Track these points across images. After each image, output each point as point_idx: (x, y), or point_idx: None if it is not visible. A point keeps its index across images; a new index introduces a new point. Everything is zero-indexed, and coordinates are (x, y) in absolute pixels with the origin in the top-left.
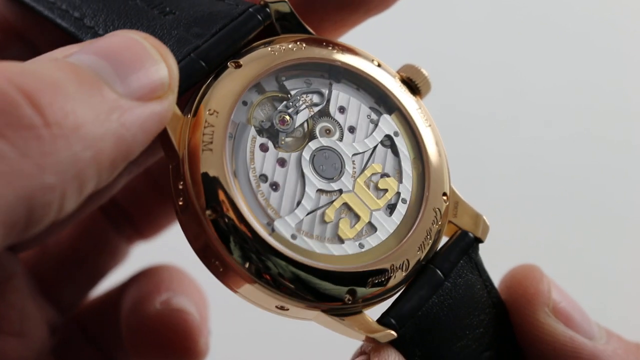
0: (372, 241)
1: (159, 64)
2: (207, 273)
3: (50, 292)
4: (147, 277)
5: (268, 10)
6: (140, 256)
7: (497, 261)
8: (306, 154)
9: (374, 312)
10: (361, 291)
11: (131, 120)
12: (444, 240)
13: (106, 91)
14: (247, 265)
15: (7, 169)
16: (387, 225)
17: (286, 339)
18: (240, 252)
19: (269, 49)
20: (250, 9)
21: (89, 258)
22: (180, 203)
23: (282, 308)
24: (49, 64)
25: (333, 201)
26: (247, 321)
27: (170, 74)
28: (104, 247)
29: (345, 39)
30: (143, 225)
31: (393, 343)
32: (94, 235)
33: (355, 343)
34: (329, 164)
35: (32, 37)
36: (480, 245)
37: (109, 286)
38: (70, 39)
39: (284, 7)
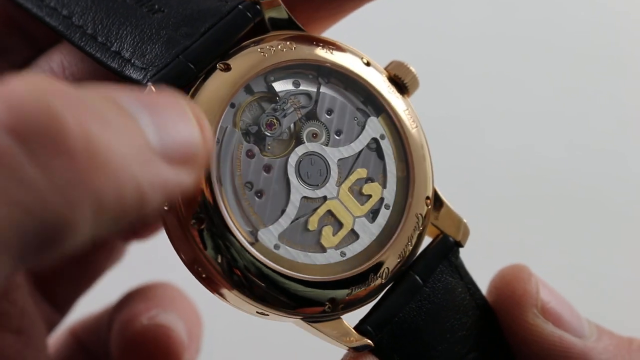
0: (353, 248)
1: (195, 133)
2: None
3: (45, 289)
4: (141, 295)
5: (258, 7)
6: (142, 268)
7: (487, 263)
8: (292, 161)
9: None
10: (341, 299)
11: (157, 178)
12: (427, 240)
13: (144, 140)
14: (228, 273)
15: (32, 199)
16: (369, 232)
17: (275, 341)
18: (222, 260)
19: (259, 49)
20: (240, 6)
21: (84, 255)
22: (165, 208)
23: (262, 314)
24: (97, 97)
25: (317, 208)
26: (237, 324)
27: (203, 147)
28: (99, 245)
29: (338, 35)
30: (139, 225)
31: (371, 350)
32: None
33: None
34: (315, 170)
35: (32, 30)
36: (472, 248)
37: (108, 302)
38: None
39: (276, 4)
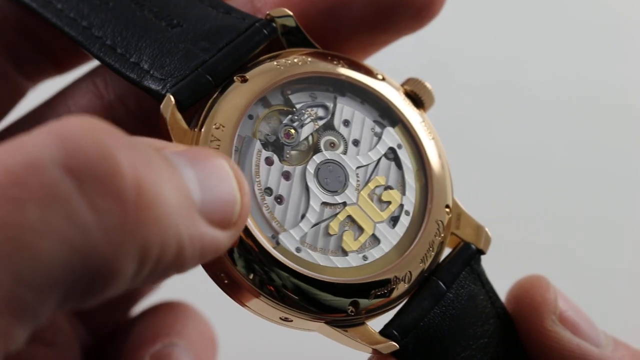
0: (375, 253)
1: (235, 194)
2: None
3: (81, 312)
4: (153, 317)
5: (274, 24)
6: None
7: (504, 271)
8: (311, 168)
9: (377, 323)
10: (364, 303)
11: (197, 235)
12: (446, 252)
13: (188, 194)
14: (251, 277)
15: (81, 239)
16: (391, 237)
17: (291, 352)
18: (245, 265)
19: (275, 63)
20: (256, 24)
21: None
22: None
23: (286, 320)
24: (149, 150)
25: (337, 214)
26: (254, 335)
27: (241, 211)
28: None
29: None
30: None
31: (395, 354)
32: None
33: (359, 354)
34: (333, 177)
35: (48, 40)
36: (489, 256)
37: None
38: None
39: (290, 22)
